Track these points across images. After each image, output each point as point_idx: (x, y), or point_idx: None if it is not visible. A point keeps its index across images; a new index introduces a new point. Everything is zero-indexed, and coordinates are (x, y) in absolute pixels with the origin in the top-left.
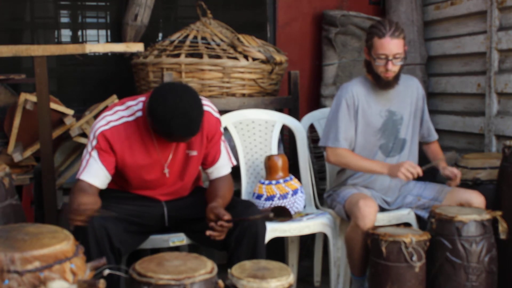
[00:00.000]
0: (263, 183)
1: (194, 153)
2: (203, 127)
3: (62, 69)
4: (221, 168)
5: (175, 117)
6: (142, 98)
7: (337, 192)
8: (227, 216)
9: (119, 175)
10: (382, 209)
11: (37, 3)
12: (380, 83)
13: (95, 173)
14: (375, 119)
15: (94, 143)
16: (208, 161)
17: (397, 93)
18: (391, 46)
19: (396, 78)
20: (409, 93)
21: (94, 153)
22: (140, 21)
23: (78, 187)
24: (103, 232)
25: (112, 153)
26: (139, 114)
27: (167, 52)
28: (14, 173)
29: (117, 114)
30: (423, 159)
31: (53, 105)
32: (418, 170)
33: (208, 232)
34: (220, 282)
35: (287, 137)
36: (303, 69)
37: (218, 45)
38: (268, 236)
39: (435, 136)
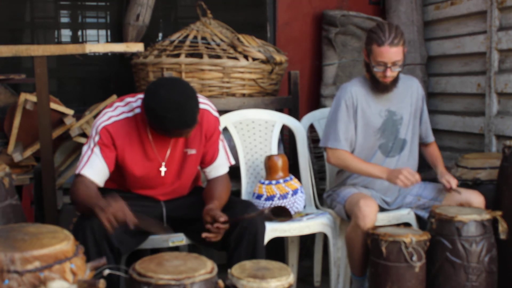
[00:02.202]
0: (263, 183)
1: (192, 151)
2: (201, 126)
3: (62, 69)
4: (219, 167)
5: (169, 112)
6: (141, 96)
7: (337, 192)
8: (223, 218)
9: (119, 173)
10: (381, 209)
11: (37, 3)
12: (378, 86)
13: (96, 169)
14: (374, 118)
15: (97, 138)
16: (206, 160)
17: (397, 93)
18: (390, 54)
19: (394, 81)
20: (409, 93)
21: (96, 149)
22: (142, 21)
23: (80, 183)
24: (102, 232)
25: (114, 149)
26: (138, 110)
27: (167, 52)
28: (14, 173)
29: (118, 109)
30: (423, 160)
31: (53, 105)
32: (417, 178)
33: (204, 235)
34: (220, 282)
35: (287, 137)
36: (303, 69)
37: (218, 45)
38: (268, 236)
39: (432, 138)
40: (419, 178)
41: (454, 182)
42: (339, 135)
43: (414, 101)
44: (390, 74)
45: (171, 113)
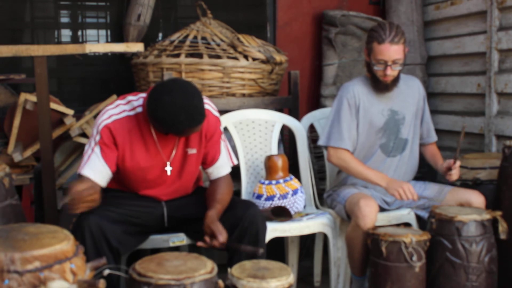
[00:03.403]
0: (263, 183)
1: (193, 151)
2: (202, 126)
3: (62, 69)
4: (221, 168)
5: (178, 115)
6: (143, 95)
7: (337, 192)
8: (222, 238)
9: (121, 173)
10: (382, 209)
11: (37, 3)
12: (379, 86)
13: (96, 169)
14: (377, 117)
15: (98, 138)
16: (207, 160)
17: (399, 93)
18: (391, 52)
19: (395, 81)
20: (411, 93)
21: (97, 149)
22: (143, 21)
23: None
24: (100, 233)
25: (115, 148)
26: (139, 109)
27: (167, 52)
28: (14, 173)
29: (119, 108)
30: (423, 160)
31: (53, 105)
32: (415, 197)
33: (198, 244)
34: (220, 282)
35: (287, 137)
36: (303, 69)
37: (218, 45)
38: (268, 236)
39: (434, 137)
40: (416, 197)
41: (457, 163)
42: (343, 134)
43: (415, 101)
44: (390, 72)
45: (180, 116)
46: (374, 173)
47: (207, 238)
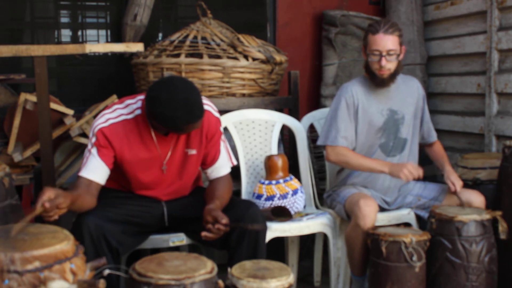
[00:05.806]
0: (263, 183)
1: (193, 152)
2: (202, 126)
3: (62, 69)
4: (220, 168)
5: (177, 110)
6: (141, 97)
7: (337, 192)
8: (224, 220)
9: (120, 173)
10: (382, 209)
11: (37, 3)
12: (376, 81)
13: (93, 169)
14: (376, 117)
15: (94, 140)
16: (207, 161)
17: (398, 92)
18: (384, 41)
19: (392, 76)
20: (410, 92)
21: (94, 150)
22: (140, 21)
23: (76, 184)
24: (99, 233)
25: (111, 149)
26: (138, 112)
27: (167, 52)
28: (14, 173)
29: (116, 112)
30: (423, 160)
31: (53, 105)
32: (420, 173)
33: (203, 234)
34: (220, 282)
35: (287, 137)
36: (303, 69)
37: (218, 45)
38: (268, 236)
39: (434, 137)
40: (422, 173)
41: (458, 185)
42: (340, 133)
43: (414, 101)
44: (385, 64)
45: (179, 111)
46: (375, 161)
47: (210, 226)
